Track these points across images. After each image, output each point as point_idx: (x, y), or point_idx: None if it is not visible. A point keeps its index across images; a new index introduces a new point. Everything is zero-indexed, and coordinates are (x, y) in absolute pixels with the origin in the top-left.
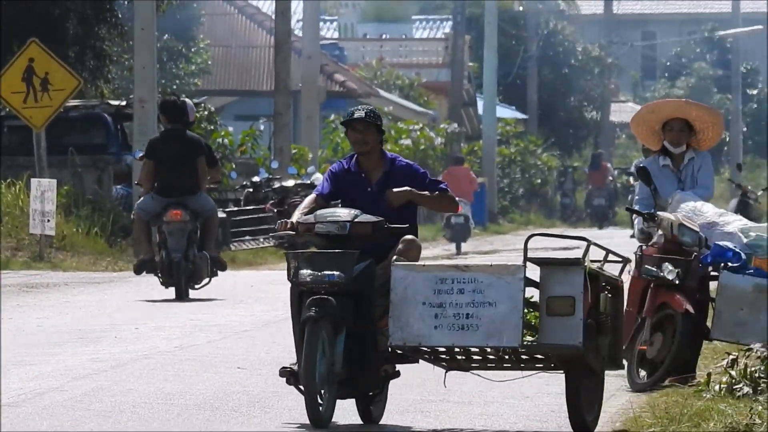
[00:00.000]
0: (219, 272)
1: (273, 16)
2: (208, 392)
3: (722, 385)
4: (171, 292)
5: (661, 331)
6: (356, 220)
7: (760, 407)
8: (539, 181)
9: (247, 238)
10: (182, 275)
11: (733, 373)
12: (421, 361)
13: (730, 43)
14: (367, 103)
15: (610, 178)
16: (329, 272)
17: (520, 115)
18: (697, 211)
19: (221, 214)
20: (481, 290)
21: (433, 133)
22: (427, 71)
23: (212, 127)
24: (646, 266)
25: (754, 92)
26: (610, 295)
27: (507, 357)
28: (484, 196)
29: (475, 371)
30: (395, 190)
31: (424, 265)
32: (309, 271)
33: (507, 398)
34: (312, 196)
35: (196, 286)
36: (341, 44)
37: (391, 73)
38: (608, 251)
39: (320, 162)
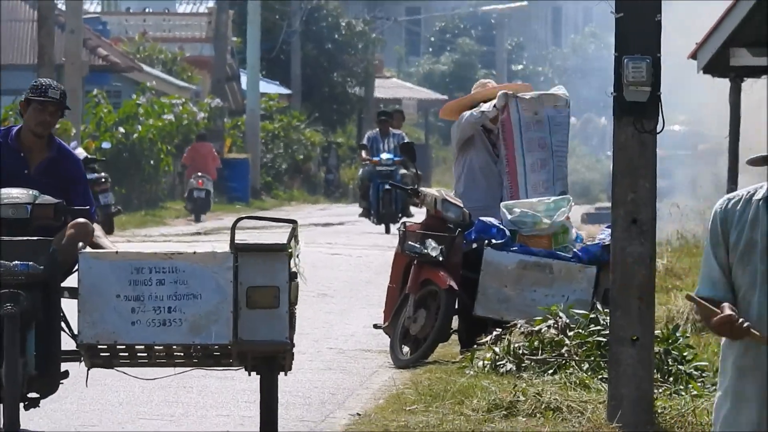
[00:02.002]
0: None
1: None
2: None
3: (486, 362)
4: None
5: (424, 308)
6: (37, 201)
7: (524, 384)
8: (302, 156)
9: None
10: None
11: (497, 349)
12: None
13: (495, 18)
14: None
15: None
16: (22, 262)
17: (284, 90)
18: None
19: None
20: (185, 281)
21: (196, 108)
22: (190, 46)
23: None
24: (410, 242)
25: (519, 68)
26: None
27: (202, 354)
28: (248, 172)
29: (120, 368)
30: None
31: (116, 253)
32: None
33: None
34: None
35: None
36: (104, 18)
37: (154, 47)
38: (274, 220)
39: (83, 137)
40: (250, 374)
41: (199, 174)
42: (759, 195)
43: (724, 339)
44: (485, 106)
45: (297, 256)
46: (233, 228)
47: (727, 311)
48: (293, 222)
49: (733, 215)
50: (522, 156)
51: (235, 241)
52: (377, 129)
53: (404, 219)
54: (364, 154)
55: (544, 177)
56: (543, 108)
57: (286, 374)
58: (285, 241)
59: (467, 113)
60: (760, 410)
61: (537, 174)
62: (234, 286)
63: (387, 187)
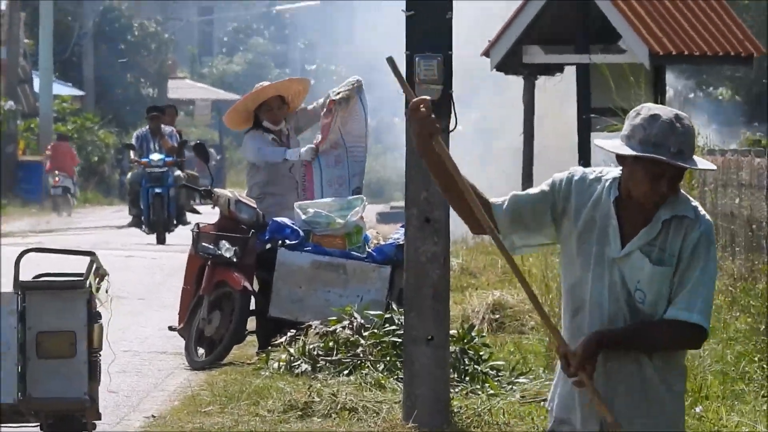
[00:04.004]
0: None
1: None
2: None
3: (281, 363)
4: None
5: (219, 309)
6: None
7: (319, 384)
8: (97, 158)
9: None
10: None
11: (292, 350)
12: None
13: (288, 18)
14: None
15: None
16: None
17: (77, 92)
18: None
19: None
20: None
21: None
22: None
23: None
24: (203, 244)
25: (312, 67)
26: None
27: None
28: (42, 175)
29: None
30: None
31: None
32: None
33: None
34: None
35: None
36: None
37: None
38: (68, 252)
39: None
40: None
41: (56, 172)
42: (608, 176)
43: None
44: (291, 155)
45: (106, 291)
46: (17, 263)
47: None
48: (91, 254)
49: (580, 184)
50: (320, 172)
51: (20, 279)
52: (147, 127)
53: (180, 225)
54: (132, 154)
55: (338, 173)
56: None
57: None
58: (84, 276)
59: (269, 152)
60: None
61: (332, 170)
62: (20, 332)
63: (158, 191)
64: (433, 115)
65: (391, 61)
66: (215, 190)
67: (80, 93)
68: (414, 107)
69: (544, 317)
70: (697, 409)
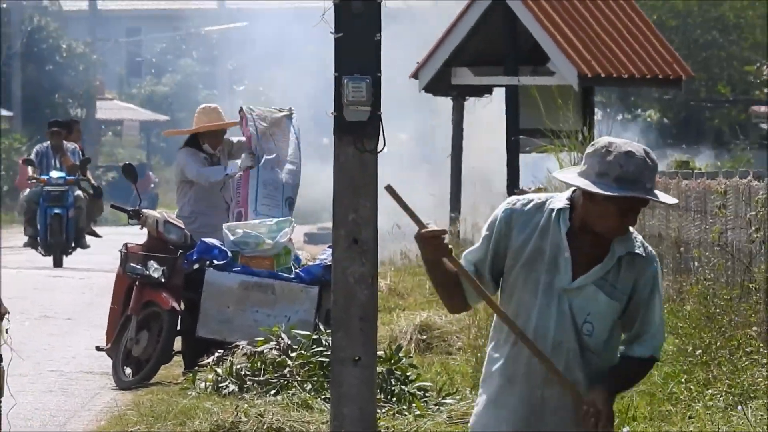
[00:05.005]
0: None
1: None
2: None
3: (208, 383)
4: None
5: (147, 329)
6: None
7: (246, 405)
8: None
9: None
10: None
11: (219, 370)
12: None
13: (216, 39)
14: None
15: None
16: None
17: (4, 113)
18: None
19: None
20: None
21: None
22: None
23: None
24: (131, 264)
25: (241, 88)
26: None
27: None
28: None
29: None
30: None
31: None
32: None
33: None
34: None
35: None
36: None
37: None
38: None
39: None
40: None
41: None
42: (554, 205)
43: (491, 344)
44: (231, 169)
45: (6, 331)
46: None
47: (436, 228)
48: None
49: (520, 217)
50: (256, 173)
51: None
52: (48, 143)
53: (79, 249)
54: (30, 171)
55: (273, 177)
56: (277, 127)
57: None
58: None
59: (207, 171)
60: (524, 419)
61: (268, 172)
62: None
63: (56, 211)
64: (445, 241)
65: (390, 189)
66: (143, 210)
67: (8, 113)
68: (428, 236)
69: (551, 369)
70: (625, 430)
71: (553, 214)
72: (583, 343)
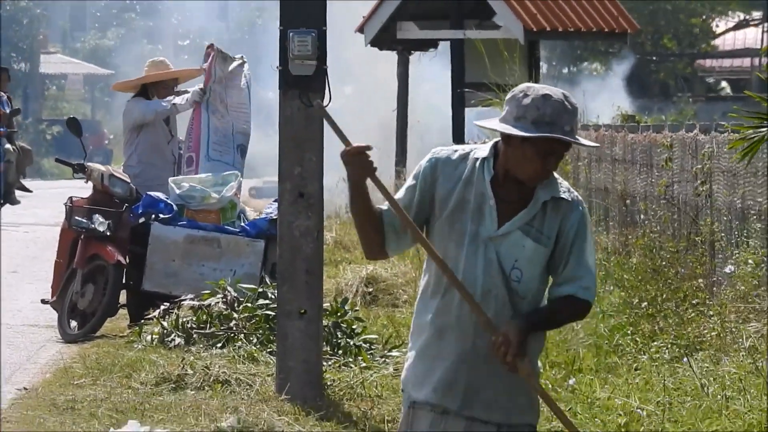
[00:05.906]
0: None
1: None
2: None
3: (154, 336)
4: None
5: (92, 283)
6: None
7: (192, 357)
8: None
9: None
10: None
11: (165, 324)
12: None
13: None
14: None
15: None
16: None
17: None
18: None
19: None
20: None
21: None
22: None
23: None
24: (76, 218)
25: (186, 42)
26: None
27: None
28: None
29: None
30: None
31: None
32: None
33: None
34: None
35: None
36: None
37: None
38: None
39: None
40: None
41: None
42: (478, 155)
43: (419, 297)
44: (179, 100)
45: None
46: None
47: (362, 144)
48: None
49: (445, 166)
50: (207, 119)
51: None
52: None
53: (7, 204)
54: None
55: (223, 124)
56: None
57: None
58: None
59: (154, 103)
60: (456, 368)
61: (217, 119)
62: None
63: None
64: (370, 158)
65: (319, 106)
66: (88, 164)
67: None
68: (353, 152)
69: (474, 306)
70: (570, 382)
71: (477, 163)
72: (511, 289)
